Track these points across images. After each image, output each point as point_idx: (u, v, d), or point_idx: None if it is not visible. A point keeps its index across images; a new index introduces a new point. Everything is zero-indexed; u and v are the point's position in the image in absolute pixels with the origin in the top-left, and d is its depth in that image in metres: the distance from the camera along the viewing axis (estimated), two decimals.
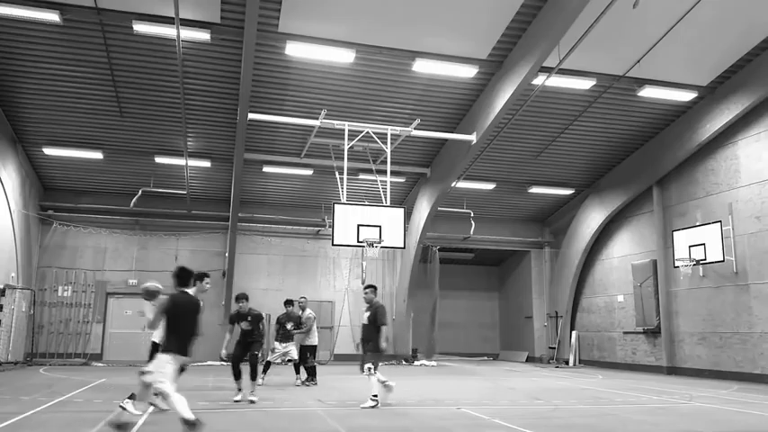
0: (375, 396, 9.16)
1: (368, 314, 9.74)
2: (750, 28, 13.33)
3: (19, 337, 17.56)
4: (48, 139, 16.82)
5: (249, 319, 10.36)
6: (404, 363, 20.68)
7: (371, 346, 9.45)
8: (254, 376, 9.92)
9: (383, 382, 9.39)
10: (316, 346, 13.24)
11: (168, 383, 6.32)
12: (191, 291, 7.07)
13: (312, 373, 12.98)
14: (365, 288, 10.10)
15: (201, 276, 7.87)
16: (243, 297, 10.54)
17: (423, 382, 14.08)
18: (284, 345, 12.64)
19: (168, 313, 6.69)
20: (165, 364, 6.43)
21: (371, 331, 9.53)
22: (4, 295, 15.91)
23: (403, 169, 18.84)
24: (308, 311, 13.31)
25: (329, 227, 17.33)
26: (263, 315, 11.02)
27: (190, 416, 6.06)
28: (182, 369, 6.88)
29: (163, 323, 6.72)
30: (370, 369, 9.20)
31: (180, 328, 6.65)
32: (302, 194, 20.93)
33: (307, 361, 12.95)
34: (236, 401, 9.61)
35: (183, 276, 7.10)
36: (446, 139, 17.33)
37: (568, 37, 12.15)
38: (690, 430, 7.63)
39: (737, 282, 15.49)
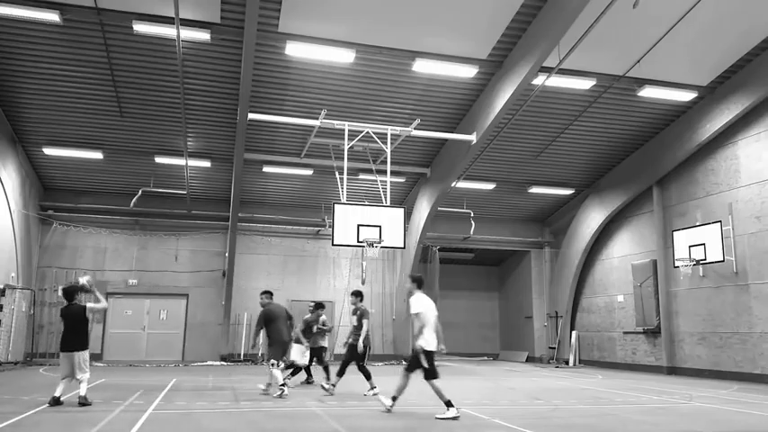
0: (283, 385, 10.30)
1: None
2: (750, 28, 13.33)
3: (19, 337, 17.57)
4: (48, 139, 16.82)
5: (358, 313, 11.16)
6: (404, 363, 20.65)
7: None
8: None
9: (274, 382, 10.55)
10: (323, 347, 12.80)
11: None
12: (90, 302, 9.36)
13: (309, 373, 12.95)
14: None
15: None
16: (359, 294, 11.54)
17: (422, 382, 14.05)
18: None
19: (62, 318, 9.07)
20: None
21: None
22: (4, 295, 15.92)
23: (403, 169, 18.84)
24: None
25: (329, 227, 17.35)
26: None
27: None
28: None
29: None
30: (273, 364, 10.53)
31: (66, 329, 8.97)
32: (302, 194, 20.93)
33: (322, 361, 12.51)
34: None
35: (69, 292, 9.23)
36: (446, 139, 17.33)
37: (568, 37, 12.16)
38: (690, 430, 7.62)
39: (737, 282, 15.49)
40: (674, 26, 12.87)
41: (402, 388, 8.60)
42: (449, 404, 8.17)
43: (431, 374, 8.33)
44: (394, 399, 8.61)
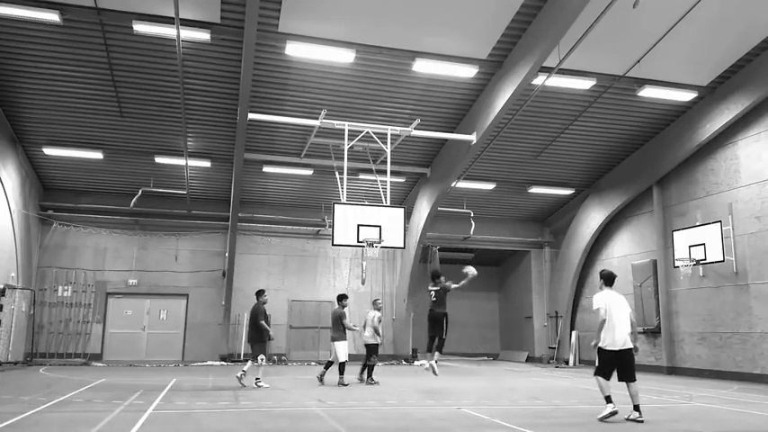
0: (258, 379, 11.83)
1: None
2: (750, 28, 13.33)
3: (19, 337, 17.57)
4: (48, 139, 16.82)
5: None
6: (404, 363, 20.67)
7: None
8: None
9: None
10: (373, 345, 13.52)
11: None
12: None
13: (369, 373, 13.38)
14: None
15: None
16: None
17: (423, 382, 14.07)
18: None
19: None
20: None
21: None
22: (4, 295, 15.92)
23: (403, 169, 18.84)
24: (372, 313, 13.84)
25: (329, 227, 17.34)
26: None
27: None
28: None
29: None
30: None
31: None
32: (302, 194, 20.93)
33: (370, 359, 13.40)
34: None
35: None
36: (446, 139, 17.33)
37: (568, 37, 12.15)
38: (690, 430, 7.63)
39: (737, 282, 15.48)
40: (674, 26, 12.87)
41: (606, 387, 8.26)
42: (608, 399, 8.12)
43: (597, 371, 8.35)
44: (608, 398, 8.17)
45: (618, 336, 8.28)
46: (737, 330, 15.44)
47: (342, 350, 12.58)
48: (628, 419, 8.06)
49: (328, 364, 13.05)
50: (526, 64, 12.85)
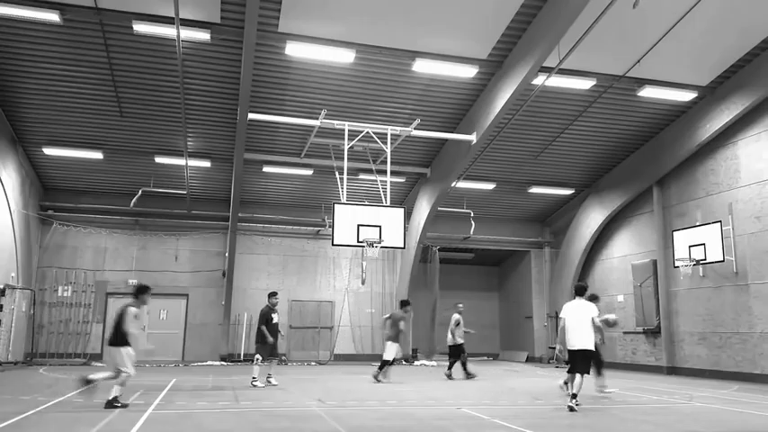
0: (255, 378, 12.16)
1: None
2: (750, 28, 13.33)
3: (19, 337, 17.57)
4: (48, 139, 16.82)
5: None
6: (404, 363, 20.67)
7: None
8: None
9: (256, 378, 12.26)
10: (455, 345, 14.93)
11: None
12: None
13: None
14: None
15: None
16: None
17: (423, 382, 14.08)
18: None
19: None
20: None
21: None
22: (4, 295, 15.91)
23: (403, 169, 18.84)
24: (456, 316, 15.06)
25: (329, 227, 17.34)
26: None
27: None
28: None
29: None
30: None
31: None
32: (302, 194, 20.93)
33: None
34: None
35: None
36: (446, 139, 17.33)
37: (568, 37, 12.16)
38: (690, 430, 7.63)
39: (737, 282, 15.48)
40: (674, 26, 12.87)
41: (577, 384, 9.16)
42: (573, 396, 9.05)
43: (570, 369, 9.46)
44: (574, 396, 9.09)
45: (571, 337, 9.42)
46: (737, 330, 15.44)
47: (390, 350, 13.38)
48: (561, 385, 10.07)
49: (383, 363, 13.57)
50: (526, 64, 12.85)
